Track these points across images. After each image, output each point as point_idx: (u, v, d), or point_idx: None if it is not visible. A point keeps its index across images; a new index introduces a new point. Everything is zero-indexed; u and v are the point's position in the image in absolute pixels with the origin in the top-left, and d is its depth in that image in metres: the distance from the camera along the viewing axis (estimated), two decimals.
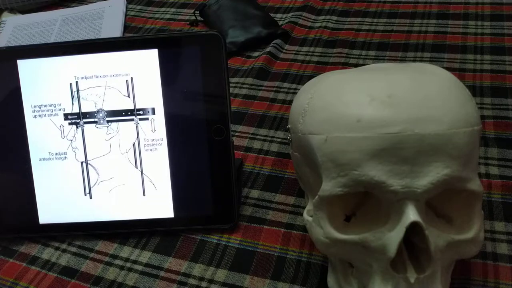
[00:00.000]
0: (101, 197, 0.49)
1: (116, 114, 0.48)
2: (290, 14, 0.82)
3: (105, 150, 0.49)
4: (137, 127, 0.48)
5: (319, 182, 0.37)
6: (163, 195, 0.49)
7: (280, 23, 0.80)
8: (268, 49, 0.73)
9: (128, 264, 0.47)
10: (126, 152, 0.48)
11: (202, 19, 0.82)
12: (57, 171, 0.49)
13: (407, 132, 0.34)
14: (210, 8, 0.80)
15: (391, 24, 0.77)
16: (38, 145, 0.49)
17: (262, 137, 0.59)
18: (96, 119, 0.48)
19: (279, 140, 0.59)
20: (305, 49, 0.74)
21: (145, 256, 0.47)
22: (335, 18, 0.80)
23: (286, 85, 0.67)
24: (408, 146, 0.34)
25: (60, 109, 0.49)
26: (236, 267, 0.46)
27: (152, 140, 0.48)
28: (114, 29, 0.82)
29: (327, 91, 0.38)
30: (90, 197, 0.49)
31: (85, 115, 0.49)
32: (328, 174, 0.36)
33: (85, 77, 0.48)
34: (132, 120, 0.48)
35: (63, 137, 0.49)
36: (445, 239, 0.35)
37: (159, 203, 0.49)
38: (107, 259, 0.48)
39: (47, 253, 0.49)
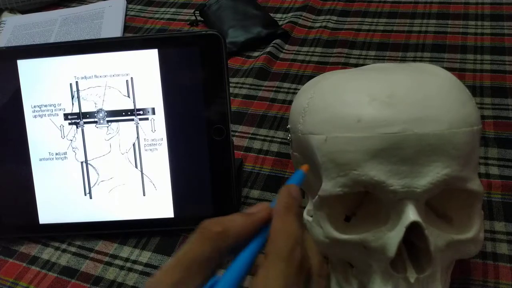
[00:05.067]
0: (101, 197, 0.49)
1: (116, 114, 0.48)
2: (290, 14, 0.82)
3: (105, 150, 0.49)
4: (137, 127, 0.48)
5: (319, 182, 0.37)
6: (163, 195, 0.49)
7: (280, 23, 0.80)
8: (268, 49, 0.73)
9: (128, 264, 0.47)
10: (126, 152, 0.48)
11: (202, 19, 0.82)
12: (57, 171, 0.49)
13: (407, 132, 0.33)
14: (210, 8, 0.80)
15: (391, 24, 0.77)
16: (38, 145, 0.49)
17: (262, 137, 0.59)
18: (96, 119, 0.48)
19: (279, 140, 0.59)
20: (305, 49, 0.74)
21: (145, 256, 0.47)
22: (335, 18, 0.80)
23: (286, 85, 0.67)
24: (408, 146, 0.33)
25: (60, 109, 0.49)
26: None
27: (152, 140, 0.48)
28: (114, 29, 0.82)
29: (327, 91, 0.38)
30: (90, 197, 0.49)
31: (85, 115, 0.49)
32: (328, 174, 0.36)
33: (85, 77, 0.48)
34: (132, 120, 0.48)
35: (63, 137, 0.49)
36: (445, 239, 0.35)
37: (159, 203, 0.49)
38: (107, 259, 0.48)
39: (47, 253, 0.49)
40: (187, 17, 0.86)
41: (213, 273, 0.27)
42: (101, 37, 0.80)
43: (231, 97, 0.52)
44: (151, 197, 0.49)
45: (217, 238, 0.27)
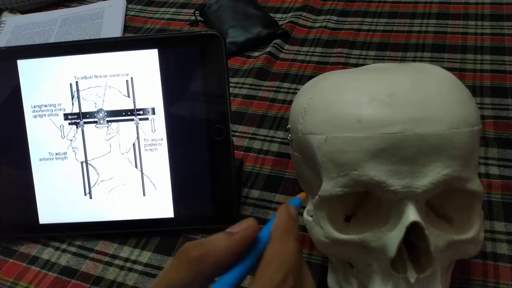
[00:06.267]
0: (101, 197, 0.49)
1: (116, 114, 0.48)
2: (290, 14, 0.82)
3: (105, 150, 0.49)
4: (137, 127, 0.48)
5: (319, 182, 0.37)
6: (163, 195, 0.49)
7: (280, 23, 0.80)
8: (268, 49, 0.73)
9: (128, 264, 0.47)
10: (126, 152, 0.48)
11: (202, 19, 0.82)
12: (57, 171, 0.49)
13: (407, 132, 0.34)
14: (210, 8, 0.80)
15: (391, 24, 0.77)
16: (38, 145, 0.49)
17: (262, 137, 0.59)
18: (96, 119, 0.48)
19: (279, 140, 0.59)
20: (305, 49, 0.74)
21: (145, 256, 0.47)
22: (335, 18, 0.80)
23: (286, 85, 0.67)
24: (408, 146, 0.34)
25: (60, 109, 0.49)
26: None
27: (152, 140, 0.48)
28: (114, 29, 0.82)
29: (328, 91, 0.38)
30: (90, 197, 0.49)
31: (85, 115, 0.49)
32: (328, 174, 0.36)
33: (85, 77, 0.48)
34: (132, 120, 0.48)
35: (63, 137, 0.49)
36: (445, 239, 0.35)
37: (159, 203, 0.49)
38: (107, 259, 0.48)
39: (47, 253, 0.49)
40: (187, 17, 0.86)
41: None
42: (101, 37, 0.80)
43: (231, 97, 0.52)
44: (151, 197, 0.49)
45: (197, 263, 0.25)
